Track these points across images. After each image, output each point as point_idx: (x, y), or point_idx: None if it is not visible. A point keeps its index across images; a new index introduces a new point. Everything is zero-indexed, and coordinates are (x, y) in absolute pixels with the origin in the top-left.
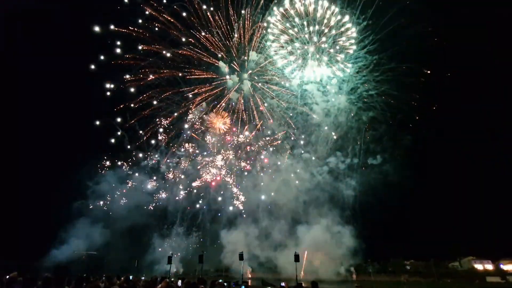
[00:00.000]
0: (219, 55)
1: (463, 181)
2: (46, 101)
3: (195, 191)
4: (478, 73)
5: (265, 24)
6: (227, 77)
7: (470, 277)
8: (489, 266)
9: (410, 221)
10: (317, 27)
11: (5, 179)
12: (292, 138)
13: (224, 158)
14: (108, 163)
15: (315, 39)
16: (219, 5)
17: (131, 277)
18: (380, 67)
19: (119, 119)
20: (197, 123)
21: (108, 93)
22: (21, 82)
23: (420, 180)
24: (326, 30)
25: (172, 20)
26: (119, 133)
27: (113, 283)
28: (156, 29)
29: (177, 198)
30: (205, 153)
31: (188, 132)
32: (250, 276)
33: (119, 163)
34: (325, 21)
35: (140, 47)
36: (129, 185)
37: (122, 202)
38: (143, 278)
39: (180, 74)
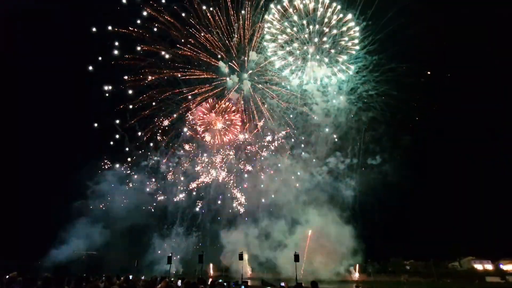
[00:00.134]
0: (219, 56)
1: (463, 181)
2: (46, 101)
3: (194, 192)
4: (478, 73)
5: (265, 24)
6: (227, 79)
7: (469, 277)
8: (489, 266)
9: (409, 221)
10: (317, 26)
11: (5, 179)
12: (293, 140)
13: (224, 158)
14: (108, 163)
15: (315, 39)
16: (219, 5)
17: (131, 277)
18: (380, 67)
19: (118, 121)
20: (197, 123)
21: (107, 94)
22: (21, 82)
23: (420, 180)
24: (326, 30)
25: (171, 20)
26: (117, 136)
27: (112, 283)
28: (155, 29)
29: (176, 198)
30: (205, 154)
31: (188, 133)
32: (250, 276)
33: (119, 163)
34: (326, 20)
35: (140, 48)
36: (129, 185)
37: (122, 202)
38: (143, 278)
39: (179, 75)
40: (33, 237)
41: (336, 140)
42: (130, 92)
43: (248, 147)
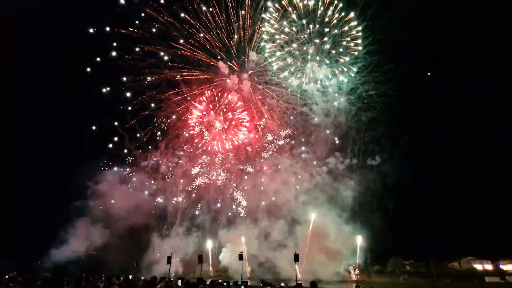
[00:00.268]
0: (218, 57)
1: (463, 181)
2: (46, 101)
3: (194, 194)
4: (478, 73)
5: (262, 24)
6: (227, 80)
7: (469, 277)
8: (489, 266)
9: (409, 221)
10: (317, 26)
11: (5, 179)
12: (293, 142)
13: (224, 158)
14: (108, 163)
15: (315, 39)
16: (219, 5)
17: (130, 277)
18: (380, 68)
19: (118, 121)
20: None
21: (106, 96)
22: (22, 82)
23: (420, 180)
24: (327, 30)
25: (171, 21)
26: (115, 139)
27: (112, 283)
28: (154, 30)
29: (176, 198)
30: (204, 156)
31: (187, 134)
32: (249, 276)
33: (119, 163)
34: (327, 19)
35: (140, 48)
36: (129, 185)
37: (121, 202)
38: (142, 278)
39: (178, 76)
40: (33, 237)
41: (336, 141)
42: (128, 95)
43: (249, 147)
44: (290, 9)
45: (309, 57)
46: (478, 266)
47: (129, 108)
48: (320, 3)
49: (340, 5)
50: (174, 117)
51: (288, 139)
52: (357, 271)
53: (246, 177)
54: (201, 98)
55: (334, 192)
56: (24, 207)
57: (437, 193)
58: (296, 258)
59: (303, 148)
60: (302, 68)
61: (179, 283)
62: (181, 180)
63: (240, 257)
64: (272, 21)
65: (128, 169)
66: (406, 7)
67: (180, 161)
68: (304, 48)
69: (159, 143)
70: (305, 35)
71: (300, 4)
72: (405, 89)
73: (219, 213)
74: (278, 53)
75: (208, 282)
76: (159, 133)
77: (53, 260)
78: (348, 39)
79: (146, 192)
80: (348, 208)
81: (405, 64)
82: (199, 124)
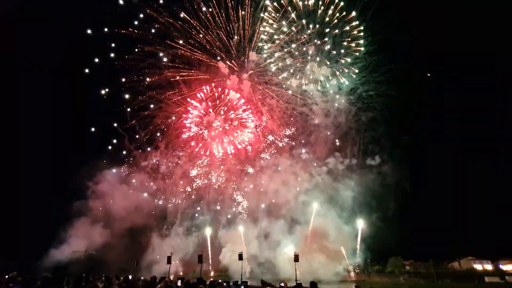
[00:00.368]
0: (218, 58)
1: (463, 181)
2: (46, 101)
3: (193, 196)
4: (478, 73)
5: (261, 23)
6: (228, 82)
7: (469, 277)
8: (489, 266)
9: (409, 221)
10: (317, 26)
11: (5, 179)
12: (293, 143)
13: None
14: (108, 163)
15: (315, 39)
16: (219, 6)
17: (130, 277)
18: (380, 68)
19: (118, 121)
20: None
21: (105, 97)
22: (22, 82)
23: (419, 180)
24: (327, 30)
25: (171, 21)
26: (115, 141)
27: (112, 283)
28: (153, 30)
29: (176, 198)
30: (204, 157)
31: (186, 135)
32: (249, 276)
33: (119, 163)
34: (327, 18)
35: (140, 48)
36: (129, 185)
37: (121, 203)
38: (142, 278)
39: (178, 77)
40: (33, 237)
41: (337, 142)
42: (127, 96)
43: (249, 148)
44: (289, 9)
45: (309, 57)
46: (478, 266)
47: (128, 109)
48: (320, 3)
49: (341, 3)
50: (174, 118)
51: (288, 139)
52: (357, 269)
53: (246, 179)
54: (198, 95)
55: (334, 192)
56: (24, 207)
57: (437, 193)
58: (296, 258)
59: (303, 151)
60: (302, 69)
61: (179, 283)
62: (181, 182)
63: (240, 257)
64: (271, 21)
65: (128, 169)
66: (406, 8)
67: (180, 162)
68: (304, 49)
69: (159, 143)
70: (305, 35)
71: (300, 4)
72: (405, 89)
73: (219, 213)
74: (277, 54)
75: (208, 282)
76: (158, 134)
77: (53, 260)
78: (349, 39)
79: (146, 194)
80: (348, 208)
81: (405, 64)
82: (198, 125)
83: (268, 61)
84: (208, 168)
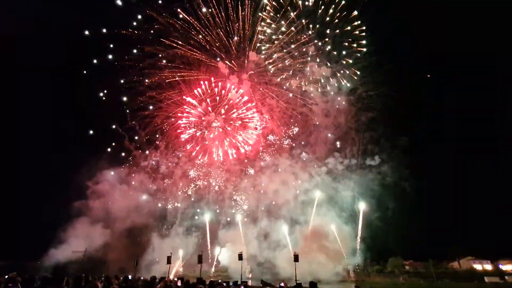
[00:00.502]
0: (218, 58)
1: (462, 181)
2: (46, 101)
3: (193, 198)
4: (478, 73)
5: (259, 23)
6: (228, 82)
7: (469, 277)
8: (488, 266)
9: (409, 221)
10: (317, 26)
11: (5, 179)
12: (293, 144)
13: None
14: (108, 163)
15: (316, 40)
16: (219, 6)
17: (130, 277)
18: (380, 68)
19: (117, 122)
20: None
21: (104, 98)
22: (22, 82)
23: (419, 181)
24: (328, 30)
25: (171, 21)
26: (113, 142)
27: (111, 283)
28: (152, 31)
29: (176, 198)
30: (205, 158)
31: (186, 135)
32: (249, 276)
33: (119, 163)
34: (328, 18)
35: (140, 49)
36: (129, 185)
37: (121, 202)
38: (142, 278)
39: (177, 78)
40: (33, 237)
41: (337, 143)
42: (125, 98)
43: (249, 148)
44: (289, 8)
45: (309, 58)
46: (478, 266)
47: (127, 111)
48: (320, 2)
49: (343, 2)
50: (173, 119)
51: (288, 140)
52: (357, 269)
53: (246, 180)
54: (196, 91)
55: (334, 192)
56: (24, 207)
57: (436, 193)
58: (296, 258)
59: (303, 153)
60: (302, 69)
61: (178, 283)
62: (180, 184)
63: (240, 257)
64: (269, 21)
65: (128, 169)
66: (406, 8)
67: (180, 164)
68: (304, 49)
69: (158, 143)
70: (305, 36)
71: (300, 3)
72: (405, 89)
73: (219, 214)
74: (277, 54)
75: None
76: (157, 135)
77: (52, 260)
78: (350, 39)
79: (145, 196)
80: (347, 208)
81: (405, 64)
82: (197, 125)
83: (268, 61)
84: (208, 169)
